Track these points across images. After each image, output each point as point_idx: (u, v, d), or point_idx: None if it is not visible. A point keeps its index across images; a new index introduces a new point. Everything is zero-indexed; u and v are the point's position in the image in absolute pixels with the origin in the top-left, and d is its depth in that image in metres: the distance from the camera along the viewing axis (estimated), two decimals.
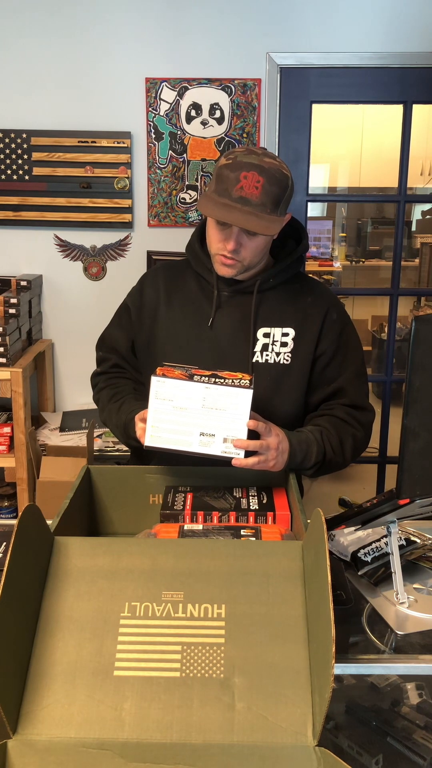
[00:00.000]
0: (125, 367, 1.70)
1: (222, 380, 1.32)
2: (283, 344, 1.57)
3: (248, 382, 1.32)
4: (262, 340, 1.57)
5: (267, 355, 1.56)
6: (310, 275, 1.86)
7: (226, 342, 1.57)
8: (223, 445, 1.31)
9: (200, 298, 1.60)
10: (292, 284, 1.61)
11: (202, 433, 1.31)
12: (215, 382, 1.31)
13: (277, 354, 1.57)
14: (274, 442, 1.37)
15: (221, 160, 1.48)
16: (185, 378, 1.31)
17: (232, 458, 1.32)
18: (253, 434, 1.36)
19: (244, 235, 1.47)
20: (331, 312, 1.61)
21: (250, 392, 1.29)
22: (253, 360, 1.56)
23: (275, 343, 1.57)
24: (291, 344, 1.57)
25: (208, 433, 1.31)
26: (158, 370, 1.33)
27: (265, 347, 1.56)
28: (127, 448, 1.60)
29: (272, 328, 1.57)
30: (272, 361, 1.56)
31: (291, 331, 1.58)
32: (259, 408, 1.43)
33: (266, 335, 1.57)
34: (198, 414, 1.30)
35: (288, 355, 1.57)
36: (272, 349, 1.57)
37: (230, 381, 1.32)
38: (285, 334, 1.58)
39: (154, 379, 1.31)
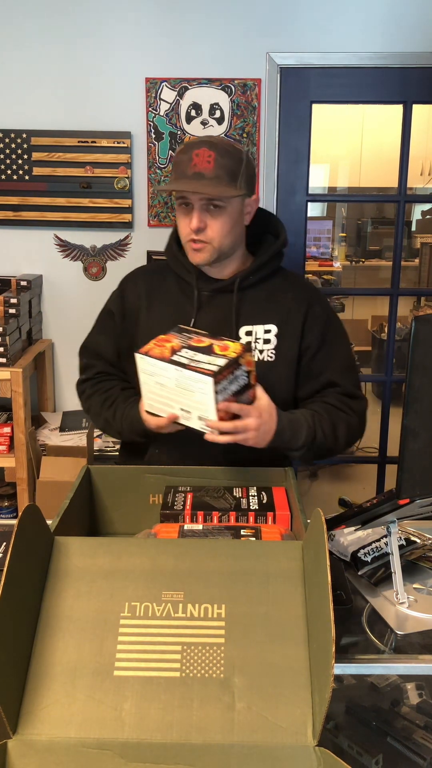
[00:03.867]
0: (112, 373, 1.68)
1: (195, 362, 1.28)
2: (266, 341, 1.57)
3: (219, 366, 1.26)
4: (244, 339, 1.57)
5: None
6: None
7: None
8: (199, 421, 1.32)
9: (181, 299, 1.60)
10: (272, 280, 1.60)
11: (182, 408, 1.33)
12: (186, 365, 1.27)
13: (261, 351, 1.57)
14: (252, 424, 1.33)
15: (177, 150, 1.51)
16: (162, 357, 1.31)
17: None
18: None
19: (206, 213, 1.47)
20: (314, 306, 1.61)
21: (210, 381, 1.23)
22: None
23: (258, 341, 1.57)
24: (274, 341, 1.57)
25: (186, 409, 1.32)
26: (151, 343, 1.36)
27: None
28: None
29: (254, 326, 1.57)
30: (256, 359, 1.56)
31: (273, 328, 1.57)
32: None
33: (248, 333, 1.57)
34: (175, 391, 1.31)
35: (272, 352, 1.57)
36: (255, 347, 1.57)
37: (202, 364, 1.27)
38: (267, 331, 1.57)
39: (137, 356, 1.34)
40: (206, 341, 1.34)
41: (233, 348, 1.31)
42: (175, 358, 1.30)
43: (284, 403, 1.57)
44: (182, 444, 1.49)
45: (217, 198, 1.45)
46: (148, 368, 1.34)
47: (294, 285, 1.64)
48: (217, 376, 1.25)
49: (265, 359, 1.57)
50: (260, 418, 1.37)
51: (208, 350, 1.31)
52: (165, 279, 1.64)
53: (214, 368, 1.26)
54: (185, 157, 1.45)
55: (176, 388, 1.31)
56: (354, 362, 1.68)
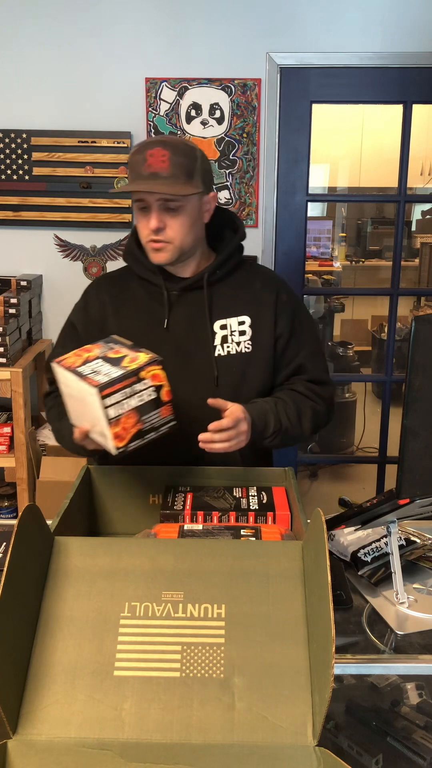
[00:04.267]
0: None
1: (93, 373, 1.24)
2: (242, 333, 1.58)
3: (111, 378, 1.20)
4: (220, 333, 1.58)
5: (228, 347, 1.58)
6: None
7: (184, 341, 1.58)
8: (101, 437, 1.28)
9: (150, 302, 1.59)
10: (237, 273, 1.62)
11: (90, 422, 1.28)
12: (84, 376, 1.24)
13: (238, 344, 1.58)
14: (243, 427, 1.41)
15: (132, 152, 1.49)
16: (69, 367, 1.28)
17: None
18: (216, 415, 1.40)
19: (165, 213, 1.47)
20: (281, 294, 1.63)
21: (95, 392, 1.19)
22: (216, 354, 1.57)
23: (234, 333, 1.58)
24: (249, 332, 1.59)
25: (92, 422, 1.28)
26: (72, 353, 1.32)
27: (224, 339, 1.57)
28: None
29: (228, 319, 1.58)
30: (234, 352, 1.58)
31: (247, 319, 1.59)
32: (229, 398, 1.47)
33: (223, 327, 1.58)
34: (82, 403, 1.27)
35: (248, 343, 1.58)
36: (232, 340, 1.58)
37: (99, 375, 1.23)
38: (241, 323, 1.59)
39: (52, 365, 1.33)
40: (123, 352, 1.29)
41: (139, 360, 1.25)
42: (80, 368, 1.26)
43: (264, 391, 1.61)
44: (154, 447, 1.50)
45: (174, 197, 1.44)
46: (62, 378, 1.32)
47: (259, 275, 1.66)
48: (105, 388, 1.18)
49: (243, 351, 1.58)
50: (244, 415, 1.42)
51: (116, 361, 1.26)
52: (130, 284, 1.64)
53: (104, 380, 1.20)
54: (139, 157, 1.44)
55: (81, 399, 1.26)
56: (321, 347, 1.71)
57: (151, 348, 1.54)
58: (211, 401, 1.42)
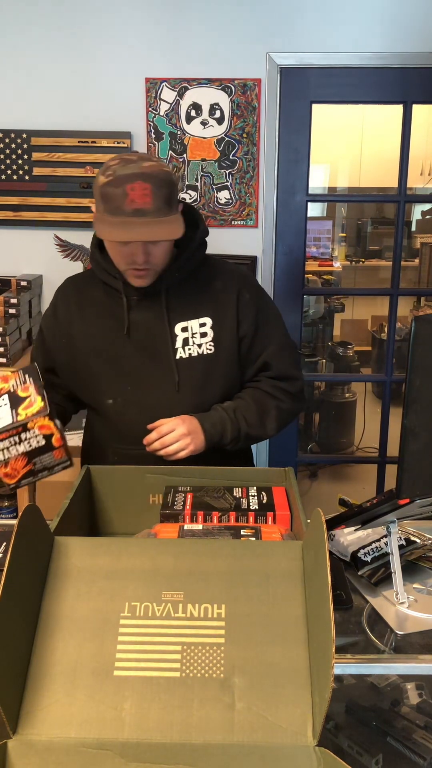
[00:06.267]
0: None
1: None
2: (203, 335, 1.58)
3: None
4: (181, 336, 1.58)
5: (189, 349, 1.58)
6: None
7: (145, 345, 1.58)
8: None
9: (112, 305, 1.59)
10: (199, 272, 1.61)
11: None
12: None
13: (199, 345, 1.58)
14: (184, 429, 1.51)
15: (100, 178, 1.43)
16: None
17: None
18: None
19: (148, 243, 1.45)
20: (243, 293, 1.62)
21: None
22: (177, 357, 1.57)
23: (195, 336, 1.58)
24: (210, 333, 1.59)
25: None
26: None
27: (185, 342, 1.57)
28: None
29: (188, 321, 1.58)
30: (196, 354, 1.58)
31: (208, 320, 1.59)
32: (191, 400, 1.56)
33: (184, 329, 1.58)
34: None
35: (210, 344, 1.59)
36: (193, 342, 1.58)
37: None
38: (202, 324, 1.58)
39: None
40: (28, 392, 1.33)
41: (31, 410, 1.30)
42: None
43: (230, 391, 1.64)
44: (137, 459, 1.54)
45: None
46: None
47: (221, 273, 1.65)
48: None
49: (205, 352, 1.58)
50: (182, 422, 1.50)
51: (16, 402, 1.32)
52: (93, 287, 1.63)
53: None
54: (118, 191, 1.39)
55: None
56: (289, 340, 1.71)
57: (111, 353, 1.59)
58: (149, 427, 1.52)
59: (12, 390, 1.35)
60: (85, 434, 1.80)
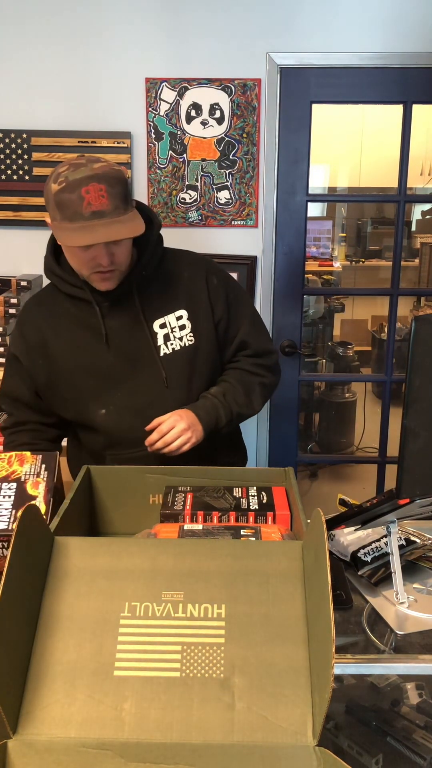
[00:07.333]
0: (29, 419, 1.69)
1: None
2: (182, 327, 1.61)
3: None
4: (161, 332, 1.59)
5: (172, 344, 1.59)
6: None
7: (127, 349, 1.58)
8: None
9: (84, 317, 1.58)
10: (163, 267, 1.62)
11: None
12: None
13: (180, 339, 1.60)
14: (183, 424, 1.53)
15: (52, 186, 1.42)
16: None
17: None
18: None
19: (111, 244, 1.45)
20: (211, 278, 1.65)
21: None
22: (161, 354, 1.58)
23: (174, 330, 1.60)
24: (188, 324, 1.61)
25: None
26: None
27: (166, 338, 1.59)
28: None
29: (165, 317, 1.60)
30: (179, 347, 1.60)
31: (184, 312, 1.61)
32: (181, 393, 1.59)
33: (162, 326, 1.59)
34: None
35: (191, 335, 1.61)
36: (174, 336, 1.60)
37: None
38: (179, 318, 1.61)
39: None
40: (37, 492, 1.32)
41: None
42: None
43: (214, 376, 1.68)
44: (138, 461, 1.56)
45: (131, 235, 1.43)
46: None
47: (185, 263, 1.67)
48: None
49: (187, 344, 1.61)
50: (180, 416, 1.52)
51: (21, 500, 1.29)
52: (59, 302, 1.62)
53: None
54: (73, 196, 1.38)
55: None
56: (257, 314, 1.75)
57: (95, 364, 1.60)
58: (147, 428, 1.54)
59: (23, 480, 1.33)
60: (71, 450, 1.80)
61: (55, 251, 1.60)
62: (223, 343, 1.67)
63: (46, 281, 2.88)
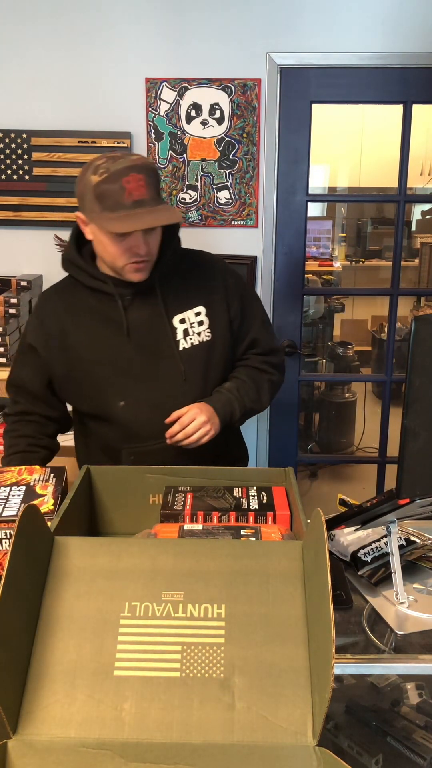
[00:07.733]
0: (34, 411, 1.70)
1: None
2: (200, 323, 1.64)
3: None
4: (180, 327, 1.62)
5: (190, 339, 1.62)
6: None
7: (147, 342, 1.60)
8: None
9: (106, 310, 1.60)
10: (182, 264, 1.65)
11: None
12: None
13: (198, 334, 1.63)
14: (202, 416, 1.56)
15: (91, 178, 1.44)
16: None
17: None
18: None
19: (146, 234, 1.49)
20: (227, 277, 1.70)
21: None
22: (180, 349, 1.61)
23: (193, 325, 1.63)
24: (206, 321, 1.64)
25: None
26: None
27: (185, 333, 1.62)
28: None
29: (185, 313, 1.63)
30: (197, 343, 1.63)
31: (202, 309, 1.64)
32: (197, 387, 1.62)
33: (182, 321, 1.62)
34: None
35: (208, 331, 1.64)
36: (192, 332, 1.63)
37: None
38: (198, 314, 1.64)
39: None
40: (45, 491, 1.36)
41: (41, 509, 1.33)
42: None
43: (228, 371, 1.72)
44: (155, 454, 1.59)
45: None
46: None
47: (202, 262, 1.71)
48: None
49: (204, 340, 1.64)
50: (199, 410, 1.55)
51: (29, 497, 1.34)
52: (79, 294, 1.63)
53: None
54: (114, 186, 1.41)
55: None
56: (266, 314, 1.81)
57: (115, 356, 1.61)
58: (167, 421, 1.57)
59: (32, 484, 1.38)
60: (79, 445, 1.81)
61: (77, 248, 1.62)
62: (236, 340, 1.71)
63: (47, 281, 2.86)
